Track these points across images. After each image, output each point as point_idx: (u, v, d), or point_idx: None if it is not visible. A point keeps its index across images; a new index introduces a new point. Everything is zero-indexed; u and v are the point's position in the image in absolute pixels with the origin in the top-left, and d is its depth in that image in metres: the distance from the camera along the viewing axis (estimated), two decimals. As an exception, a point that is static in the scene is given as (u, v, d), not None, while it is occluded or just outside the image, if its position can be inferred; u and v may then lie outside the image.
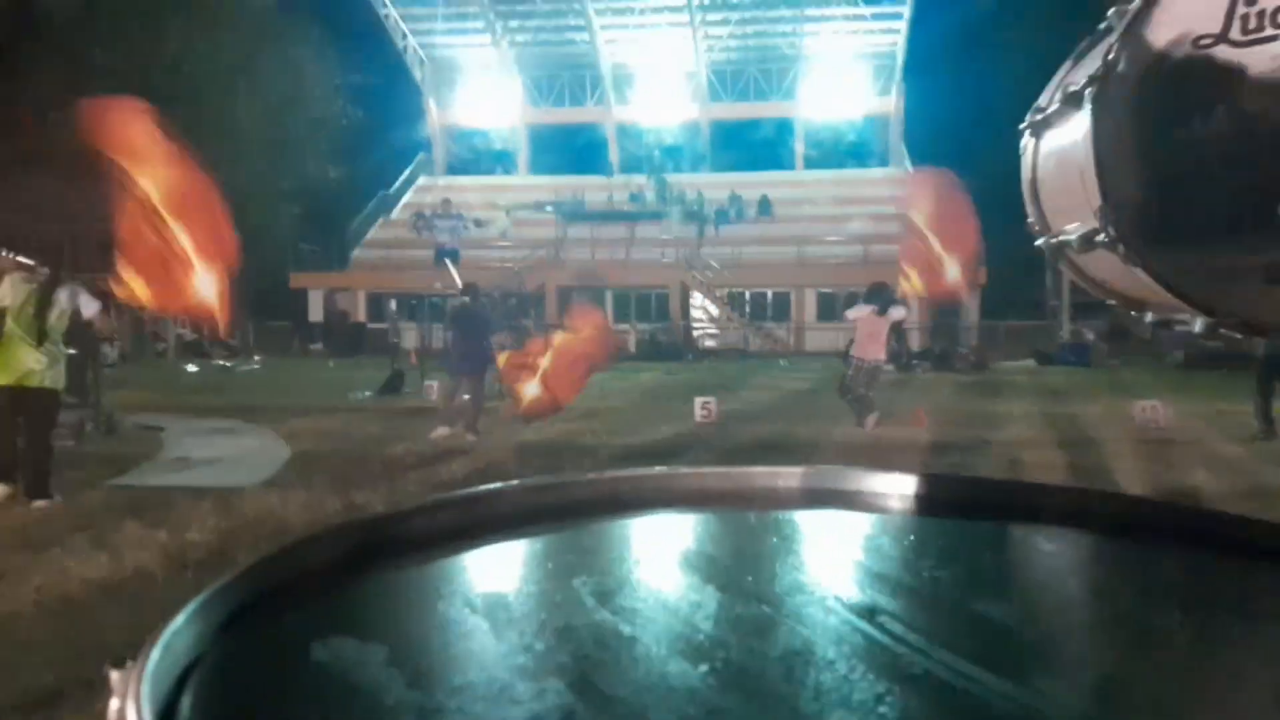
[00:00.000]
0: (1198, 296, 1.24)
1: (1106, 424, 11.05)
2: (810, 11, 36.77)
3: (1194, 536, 1.14)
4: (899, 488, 1.35)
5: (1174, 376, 19.05)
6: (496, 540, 1.12)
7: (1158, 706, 0.78)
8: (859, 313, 10.30)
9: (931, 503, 1.31)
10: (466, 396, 9.98)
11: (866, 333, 10.24)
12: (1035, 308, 32.20)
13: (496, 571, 1.06)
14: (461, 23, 38.86)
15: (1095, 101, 1.23)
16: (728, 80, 39.78)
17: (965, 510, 1.27)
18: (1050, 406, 13.50)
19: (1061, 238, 1.42)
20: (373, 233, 35.14)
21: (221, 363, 25.32)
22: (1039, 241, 1.53)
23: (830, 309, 30.02)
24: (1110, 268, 1.37)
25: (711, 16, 37.19)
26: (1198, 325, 1.27)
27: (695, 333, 30.49)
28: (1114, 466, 8.15)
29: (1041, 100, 1.47)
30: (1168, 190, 1.22)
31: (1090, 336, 26.23)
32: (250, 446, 9.42)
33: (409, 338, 24.39)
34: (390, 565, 1.03)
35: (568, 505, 1.24)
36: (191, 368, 23.54)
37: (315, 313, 33.00)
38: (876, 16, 36.78)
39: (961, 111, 32.82)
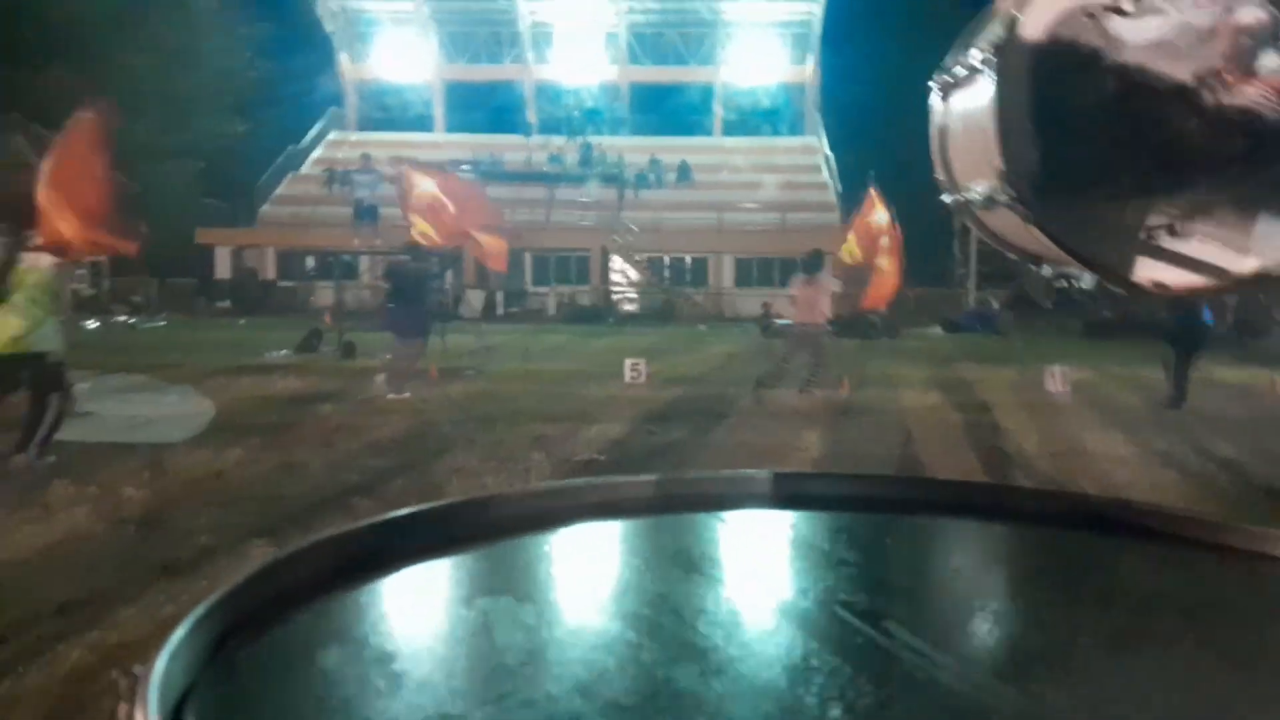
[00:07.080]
0: (1085, 253, 1.34)
1: (1020, 387, 11.54)
2: (731, -24, 36.76)
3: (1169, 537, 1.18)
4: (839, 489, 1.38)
5: (1075, 344, 19.91)
6: (494, 547, 1.11)
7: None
8: (801, 283, 10.24)
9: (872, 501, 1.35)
10: (388, 355, 9.82)
11: (805, 300, 10.31)
12: (942, 276, 33.12)
13: (496, 578, 1.06)
14: (376, -27, 37.68)
15: (998, 72, 1.31)
16: (648, 43, 39.53)
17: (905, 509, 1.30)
18: (961, 372, 14.00)
19: (967, 195, 1.49)
20: (282, 188, 33.99)
21: (124, 319, 24.28)
22: (946, 198, 1.60)
23: (748, 275, 30.42)
24: (1010, 224, 1.46)
25: (632, -23, 36.86)
26: (1086, 280, 1.39)
27: (615, 296, 30.49)
28: (1018, 425, 8.54)
29: (948, 60, 1.51)
30: (1060, 156, 1.31)
31: (995, 305, 27.16)
32: (173, 403, 9.14)
33: (323, 296, 23.78)
34: (393, 571, 1.02)
35: (562, 512, 1.23)
36: (91, 324, 22.52)
37: (222, 270, 31.87)
38: (795, -15, 36.98)
39: (875, 83, 33.36)
